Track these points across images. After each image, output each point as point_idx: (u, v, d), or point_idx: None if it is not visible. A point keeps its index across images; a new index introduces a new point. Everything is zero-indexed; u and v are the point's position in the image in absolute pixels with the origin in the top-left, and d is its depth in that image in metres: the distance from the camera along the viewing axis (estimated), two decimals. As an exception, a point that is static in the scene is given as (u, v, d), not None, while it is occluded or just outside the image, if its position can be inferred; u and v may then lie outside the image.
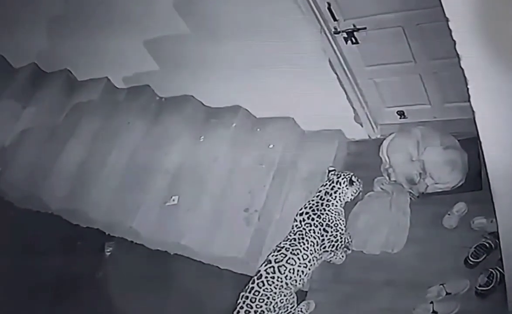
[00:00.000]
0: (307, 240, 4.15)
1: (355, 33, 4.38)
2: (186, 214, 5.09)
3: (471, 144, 4.33)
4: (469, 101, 2.34)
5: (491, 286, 3.78)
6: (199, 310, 4.84)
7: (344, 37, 4.44)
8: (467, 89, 2.28)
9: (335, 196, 4.25)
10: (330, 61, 4.58)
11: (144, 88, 5.97)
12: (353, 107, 4.90)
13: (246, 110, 5.55)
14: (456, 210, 4.30)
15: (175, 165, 5.44)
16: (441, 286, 3.95)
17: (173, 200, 5.21)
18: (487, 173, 2.76)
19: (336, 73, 4.65)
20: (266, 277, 4.02)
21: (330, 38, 4.46)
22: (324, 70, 4.63)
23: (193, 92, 5.73)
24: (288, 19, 4.35)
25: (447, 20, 2.08)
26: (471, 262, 3.98)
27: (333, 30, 4.41)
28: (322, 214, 4.21)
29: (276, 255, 4.10)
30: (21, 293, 5.31)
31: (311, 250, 4.14)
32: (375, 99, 4.88)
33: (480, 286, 3.83)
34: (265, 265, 4.08)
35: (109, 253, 5.53)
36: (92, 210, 5.44)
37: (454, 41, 2.12)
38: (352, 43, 4.46)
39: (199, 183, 5.22)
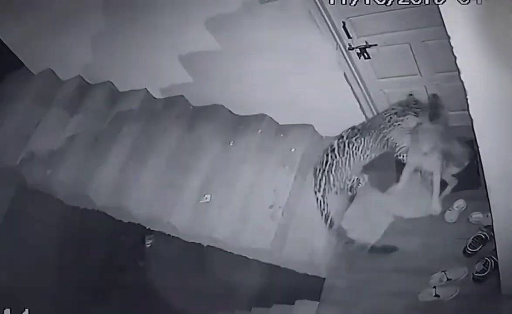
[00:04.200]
0: (368, 141, 4.67)
1: (367, 49, 4.48)
2: (218, 210, 5.19)
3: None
4: (467, 109, 2.44)
5: (486, 272, 4.02)
6: (229, 295, 5.05)
7: (357, 53, 4.54)
8: (466, 99, 2.38)
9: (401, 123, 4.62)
10: (345, 74, 4.68)
11: (179, 98, 6.04)
12: (365, 115, 5.00)
13: (271, 118, 5.65)
14: (456, 206, 4.48)
15: (207, 167, 5.52)
16: (443, 273, 4.18)
17: (206, 198, 5.33)
18: (483, 174, 2.92)
19: (350, 85, 4.75)
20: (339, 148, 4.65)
21: (345, 53, 4.57)
22: (339, 82, 4.73)
23: (223, 102, 5.84)
24: (307, 37, 4.46)
25: (448, 37, 2.17)
26: (469, 252, 4.21)
27: (347, 46, 4.51)
28: (388, 132, 4.67)
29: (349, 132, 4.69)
30: (71, 279, 5.59)
31: (370, 148, 4.69)
32: (385, 108, 4.89)
33: (477, 272, 4.06)
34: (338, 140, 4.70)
35: (149, 245, 5.83)
36: (133, 207, 5.51)
37: (455, 56, 2.22)
38: (365, 58, 4.56)
39: (229, 183, 5.33)
